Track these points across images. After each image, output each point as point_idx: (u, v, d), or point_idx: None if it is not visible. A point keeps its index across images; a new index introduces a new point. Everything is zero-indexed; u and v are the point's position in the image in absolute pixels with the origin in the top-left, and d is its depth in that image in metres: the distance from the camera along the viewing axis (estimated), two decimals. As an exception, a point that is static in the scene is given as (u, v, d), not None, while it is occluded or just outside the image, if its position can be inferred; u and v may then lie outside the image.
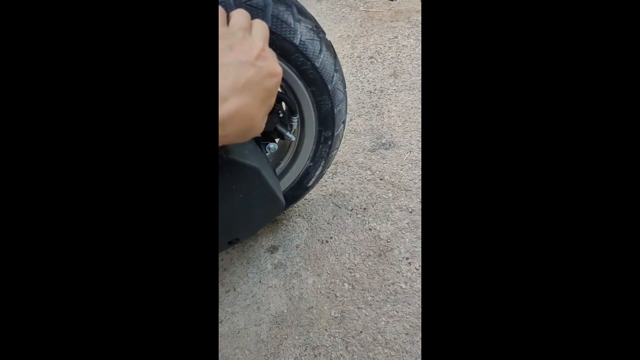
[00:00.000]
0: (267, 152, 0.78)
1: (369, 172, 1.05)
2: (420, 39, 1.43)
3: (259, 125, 0.39)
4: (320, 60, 0.68)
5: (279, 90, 0.72)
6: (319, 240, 0.93)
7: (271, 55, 0.38)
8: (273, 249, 0.94)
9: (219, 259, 0.93)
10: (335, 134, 0.81)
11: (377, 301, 0.81)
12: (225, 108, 0.33)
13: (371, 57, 1.43)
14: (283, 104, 0.73)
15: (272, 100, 0.39)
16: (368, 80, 1.34)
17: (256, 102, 0.36)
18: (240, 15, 0.41)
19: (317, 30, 0.67)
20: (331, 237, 0.93)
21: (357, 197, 1.00)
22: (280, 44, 0.63)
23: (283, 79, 0.69)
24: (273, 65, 0.37)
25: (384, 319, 0.78)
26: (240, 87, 0.34)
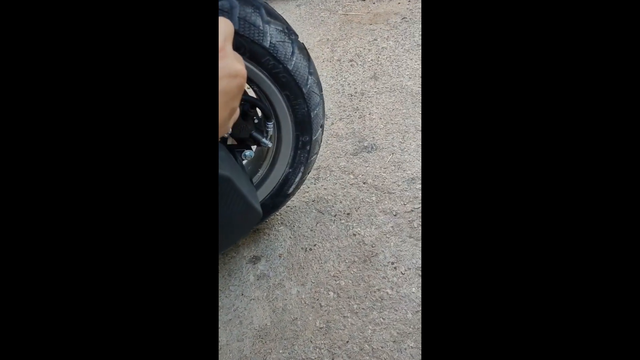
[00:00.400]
0: (243, 160, 0.75)
1: (351, 176, 1.03)
2: (399, 41, 1.42)
3: (221, 128, 0.36)
4: (293, 63, 0.66)
5: (253, 96, 0.69)
6: (302, 248, 0.91)
7: (232, 55, 0.35)
8: (255, 260, 0.91)
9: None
10: (314, 138, 0.79)
11: (363, 309, 0.78)
12: None
13: (351, 60, 1.42)
14: (257, 109, 0.71)
15: (236, 103, 0.36)
16: (349, 83, 1.33)
17: None
18: None
19: (289, 32, 0.65)
20: (315, 245, 0.91)
21: (341, 202, 0.98)
22: (250, 47, 0.60)
23: (255, 84, 0.67)
24: (233, 65, 0.35)
25: (370, 327, 0.75)
26: None
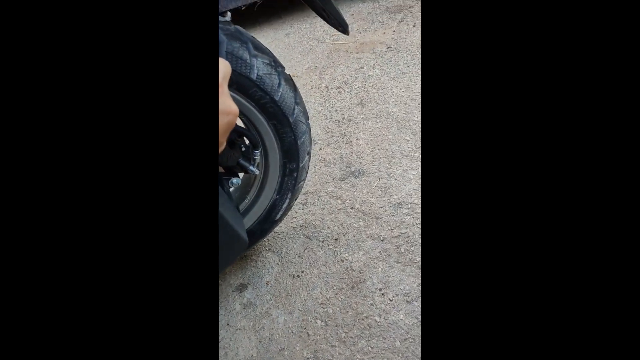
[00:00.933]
0: (230, 187, 0.75)
1: (339, 201, 1.04)
2: (384, 69, 1.48)
3: None
4: (280, 94, 0.68)
5: (241, 125, 0.71)
6: (290, 275, 0.90)
7: (227, 93, 0.36)
8: (242, 287, 0.89)
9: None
10: (301, 165, 0.80)
11: (351, 337, 0.77)
12: None
13: (339, 87, 1.46)
14: (245, 138, 0.72)
15: (224, 139, 0.37)
16: (336, 110, 1.36)
17: None
18: None
19: (275, 64, 0.67)
20: (302, 271, 0.90)
21: (328, 227, 0.98)
22: (237, 79, 0.62)
23: (243, 114, 0.68)
24: (227, 103, 0.36)
25: (358, 356, 0.74)
26: None
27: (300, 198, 1.06)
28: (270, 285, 0.89)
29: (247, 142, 0.73)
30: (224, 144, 0.41)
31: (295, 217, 1.02)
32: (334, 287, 0.86)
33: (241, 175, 0.77)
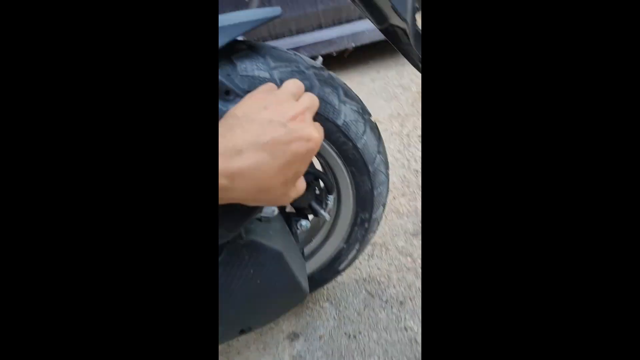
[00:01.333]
0: (298, 229, 0.73)
1: (409, 259, 0.95)
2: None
3: (277, 190, 0.35)
4: (363, 141, 0.65)
5: (319, 169, 0.69)
6: (345, 333, 0.82)
7: (310, 122, 0.35)
8: (294, 337, 0.84)
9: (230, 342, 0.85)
10: (373, 216, 0.75)
11: None
12: (238, 162, 0.31)
13: (420, 136, 1.40)
14: (320, 181, 0.70)
15: (301, 167, 0.35)
16: (415, 159, 1.29)
17: (276, 162, 0.33)
18: (292, 83, 0.39)
19: (363, 111, 0.65)
20: (360, 332, 0.82)
21: (394, 287, 0.89)
22: (323, 123, 0.61)
23: (322, 156, 0.67)
24: (308, 130, 0.35)
25: None
26: (262, 143, 0.32)
27: (367, 249, 1.00)
28: (323, 340, 0.82)
29: (321, 185, 0.71)
30: (303, 182, 0.38)
31: (359, 269, 0.96)
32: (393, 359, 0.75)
33: (311, 217, 0.75)
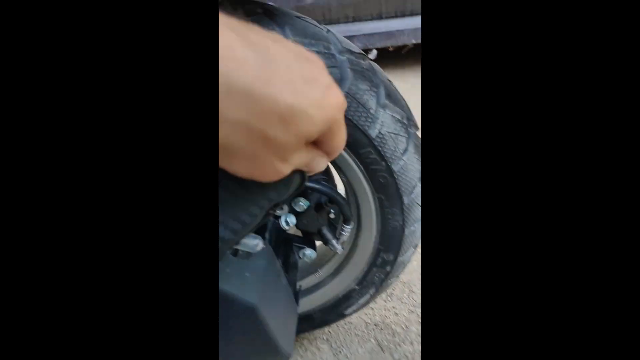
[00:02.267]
0: (299, 259, 0.57)
1: (436, 310, 0.76)
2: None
3: (276, 152, 0.24)
4: (402, 163, 0.47)
5: (336, 194, 0.52)
6: (339, 390, 0.66)
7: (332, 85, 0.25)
8: (277, 378, 0.69)
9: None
10: (399, 259, 0.57)
11: None
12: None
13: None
14: (337, 205, 0.54)
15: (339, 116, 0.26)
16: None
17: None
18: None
19: (408, 123, 0.48)
20: (357, 394, 0.65)
21: (412, 343, 0.71)
22: (351, 131, 0.44)
23: (344, 174, 0.50)
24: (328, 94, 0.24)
25: None
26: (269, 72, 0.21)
27: (387, 285, 0.82)
28: (310, 393, 0.66)
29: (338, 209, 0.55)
30: (307, 138, 0.24)
31: (372, 309, 0.79)
32: None
33: (319, 243, 0.59)
